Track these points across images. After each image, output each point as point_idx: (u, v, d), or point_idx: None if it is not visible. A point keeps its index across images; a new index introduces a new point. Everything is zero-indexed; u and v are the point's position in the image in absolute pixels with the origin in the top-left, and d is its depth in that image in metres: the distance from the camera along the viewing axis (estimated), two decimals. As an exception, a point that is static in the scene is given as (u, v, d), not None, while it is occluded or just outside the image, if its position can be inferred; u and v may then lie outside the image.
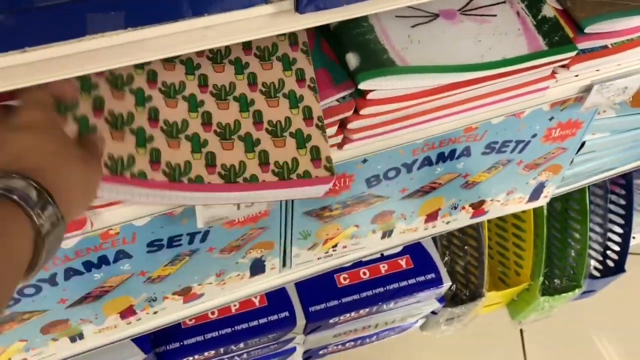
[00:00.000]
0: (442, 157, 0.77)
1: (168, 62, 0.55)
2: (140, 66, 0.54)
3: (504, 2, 0.66)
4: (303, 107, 0.57)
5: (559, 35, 0.64)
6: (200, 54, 0.57)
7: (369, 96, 0.59)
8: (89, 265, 0.65)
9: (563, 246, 1.32)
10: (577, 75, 0.70)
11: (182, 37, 0.38)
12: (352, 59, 0.58)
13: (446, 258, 1.26)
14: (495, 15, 0.65)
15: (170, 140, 0.52)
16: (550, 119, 0.78)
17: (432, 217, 0.90)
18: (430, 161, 0.77)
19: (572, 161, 0.91)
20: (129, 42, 0.36)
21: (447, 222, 0.93)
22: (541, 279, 1.26)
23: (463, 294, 1.25)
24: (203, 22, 0.37)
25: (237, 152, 0.54)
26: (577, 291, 1.29)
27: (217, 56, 0.57)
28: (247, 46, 0.59)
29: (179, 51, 0.38)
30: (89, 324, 0.75)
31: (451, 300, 1.24)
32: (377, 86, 0.57)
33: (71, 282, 0.66)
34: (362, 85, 0.57)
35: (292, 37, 0.60)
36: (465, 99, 0.64)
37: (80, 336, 0.76)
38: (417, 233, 0.92)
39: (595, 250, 1.35)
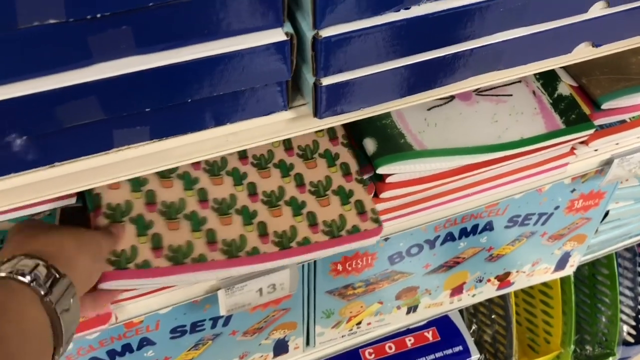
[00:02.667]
0: (464, 232, 0.77)
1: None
2: None
3: (520, 82, 0.67)
4: (354, 201, 0.58)
5: (575, 114, 0.64)
6: (244, 160, 0.58)
7: (388, 180, 0.59)
8: (112, 354, 0.65)
9: (593, 312, 1.28)
10: (596, 150, 0.69)
11: (206, 144, 0.39)
12: (370, 144, 0.59)
13: (473, 327, 1.22)
14: (511, 95, 0.66)
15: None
16: (572, 190, 0.78)
17: (457, 291, 0.88)
18: (453, 237, 0.76)
19: (596, 230, 0.90)
20: (155, 151, 0.37)
21: (473, 295, 0.91)
22: (572, 347, 1.22)
23: (492, 364, 1.22)
24: (226, 130, 0.38)
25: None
26: (611, 359, 1.25)
27: (261, 161, 0.59)
28: (288, 147, 0.60)
29: (203, 156, 0.39)
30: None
31: (480, 371, 1.20)
32: (396, 170, 0.58)
33: (95, 371, 0.66)
34: (381, 170, 0.58)
35: (331, 132, 0.62)
36: (485, 178, 0.64)
37: None
38: (443, 307, 0.91)
39: (627, 314, 1.31)
